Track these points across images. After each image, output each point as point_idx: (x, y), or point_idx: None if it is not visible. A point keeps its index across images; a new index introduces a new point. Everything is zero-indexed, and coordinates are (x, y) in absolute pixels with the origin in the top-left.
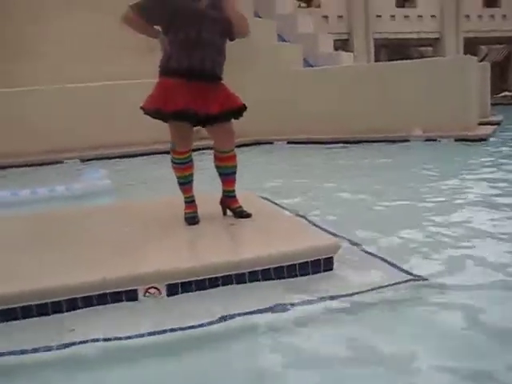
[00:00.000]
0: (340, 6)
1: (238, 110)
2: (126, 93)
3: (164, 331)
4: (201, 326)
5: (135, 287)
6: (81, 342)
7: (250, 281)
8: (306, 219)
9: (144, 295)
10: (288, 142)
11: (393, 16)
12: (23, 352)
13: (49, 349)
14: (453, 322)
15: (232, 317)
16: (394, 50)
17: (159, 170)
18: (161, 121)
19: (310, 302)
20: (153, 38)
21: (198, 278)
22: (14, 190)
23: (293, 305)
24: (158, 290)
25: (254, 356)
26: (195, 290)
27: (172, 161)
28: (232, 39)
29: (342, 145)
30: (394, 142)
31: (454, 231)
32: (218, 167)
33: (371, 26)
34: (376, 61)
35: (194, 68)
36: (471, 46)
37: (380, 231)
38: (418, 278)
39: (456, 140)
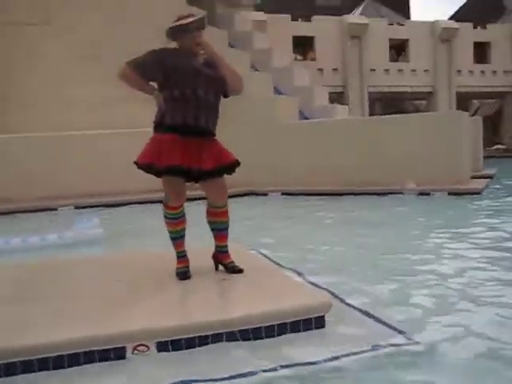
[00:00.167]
0: (335, 59)
1: (231, 166)
2: (122, 141)
3: None
4: None
5: (124, 344)
6: None
7: (242, 339)
8: (298, 274)
9: (132, 353)
10: (282, 193)
11: (387, 70)
12: None
13: None
14: None
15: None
16: (388, 103)
17: (153, 220)
18: (154, 176)
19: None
20: (149, 95)
21: (188, 336)
22: (6, 237)
23: (275, 369)
24: (147, 347)
25: None
26: (185, 348)
27: (164, 215)
28: (226, 96)
29: (336, 197)
30: (387, 194)
31: (446, 290)
32: (210, 222)
33: (365, 80)
34: (371, 113)
35: (189, 125)
36: (463, 100)
37: (373, 286)
38: (410, 340)
39: (449, 194)
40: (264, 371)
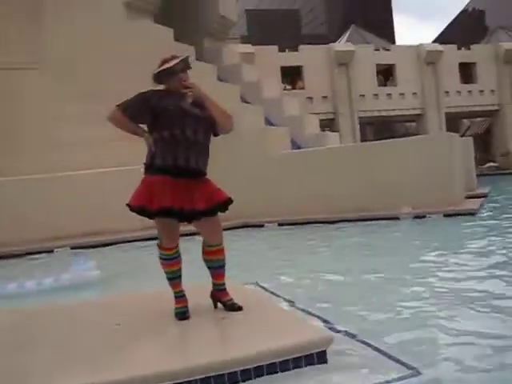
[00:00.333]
0: (324, 86)
1: (224, 204)
2: (117, 179)
3: None
4: None
5: None
6: None
7: (243, 379)
8: (298, 308)
9: None
10: (279, 224)
11: (376, 95)
12: None
13: None
14: None
15: None
16: (379, 127)
17: (150, 257)
18: (147, 218)
19: None
20: (139, 137)
21: (190, 379)
22: (1, 284)
23: None
24: None
25: None
26: None
27: (159, 256)
28: (216, 135)
29: (332, 225)
30: (383, 219)
31: (448, 321)
32: (206, 261)
33: (355, 106)
34: (362, 138)
35: (179, 166)
36: (453, 120)
37: (374, 317)
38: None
39: (445, 215)
40: None
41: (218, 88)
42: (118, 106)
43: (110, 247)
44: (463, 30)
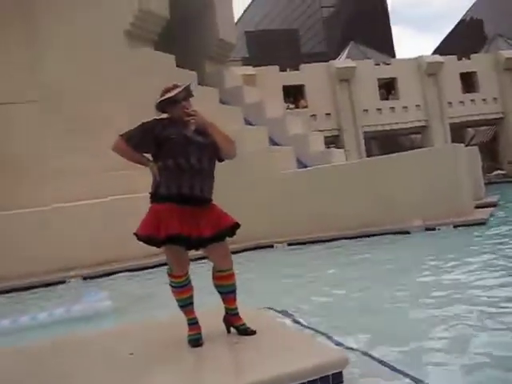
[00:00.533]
0: (327, 104)
1: (231, 229)
2: (124, 207)
3: None
4: None
5: None
6: None
7: None
8: (312, 329)
9: None
10: (289, 244)
11: (379, 109)
12: None
13: None
14: None
15: None
16: (384, 140)
17: (164, 284)
18: (154, 247)
19: None
20: (144, 166)
21: None
22: (14, 316)
23: None
24: None
25: None
26: None
27: (170, 284)
28: (221, 161)
29: (342, 241)
30: (394, 234)
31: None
32: (216, 286)
33: (359, 121)
34: (368, 152)
35: (184, 194)
36: (458, 130)
37: (391, 337)
38: None
39: (455, 226)
40: None
41: (220, 111)
42: (121, 135)
43: (120, 274)
44: (462, 40)
